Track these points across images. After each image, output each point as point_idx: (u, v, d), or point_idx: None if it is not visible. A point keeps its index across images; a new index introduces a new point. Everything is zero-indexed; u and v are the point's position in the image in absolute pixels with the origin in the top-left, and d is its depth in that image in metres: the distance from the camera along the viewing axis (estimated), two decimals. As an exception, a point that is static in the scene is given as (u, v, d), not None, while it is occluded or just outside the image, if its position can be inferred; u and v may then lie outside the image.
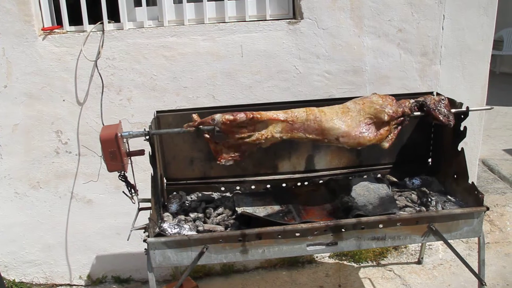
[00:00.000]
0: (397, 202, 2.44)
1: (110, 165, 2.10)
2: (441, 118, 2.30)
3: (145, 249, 2.10)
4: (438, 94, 2.54)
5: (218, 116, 2.16)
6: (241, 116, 2.15)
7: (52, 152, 3.05)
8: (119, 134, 2.07)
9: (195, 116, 2.19)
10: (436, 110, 2.31)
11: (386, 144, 2.35)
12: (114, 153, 2.06)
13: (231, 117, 2.15)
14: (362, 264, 3.35)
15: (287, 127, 2.21)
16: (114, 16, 2.96)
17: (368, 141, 2.28)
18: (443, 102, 2.34)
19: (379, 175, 2.78)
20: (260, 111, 2.20)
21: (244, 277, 3.31)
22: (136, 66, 2.93)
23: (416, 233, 2.19)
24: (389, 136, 2.33)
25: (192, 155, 2.66)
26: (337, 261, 3.39)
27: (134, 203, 2.32)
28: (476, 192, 2.26)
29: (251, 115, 2.16)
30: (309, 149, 2.73)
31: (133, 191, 2.27)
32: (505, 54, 7.66)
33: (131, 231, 2.20)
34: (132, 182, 2.25)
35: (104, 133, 2.08)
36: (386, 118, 2.26)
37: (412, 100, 2.36)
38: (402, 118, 2.32)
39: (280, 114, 2.20)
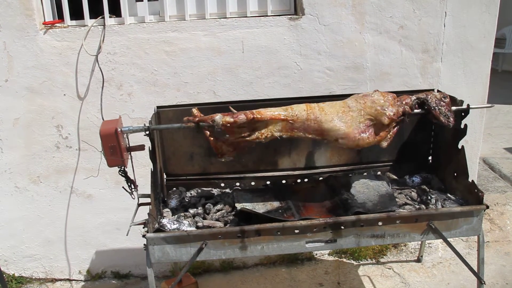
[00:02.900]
0: (396, 199, 2.44)
1: (110, 160, 2.10)
2: (441, 119, 2.29)
3: (144, 244, 2.10)
4: (439, 91, 2.53)
5: (218, 118, 2.13)
6: (241, 117, 2.13)
7: (53, 147, 3.05)
8: (119, 129, 2.07)
9: (195, 110, 2.18)
10: (437, 109, 2.30)
11: (384, 144, 2.34)
12: (114, 148, 2.06)
13: (232, 120, 2.13)
14: (361, 262, 3.35)
15: (287, 126, 2.20)
16: (115, 10, 2.96)
17: (367, 144, 2.28)
18: (444, 101, 2.32)
19: (379, 173, 2.78)
20: (260, 108, 2.19)
21: (243, 273, 3.31)
22: (137, 61, 2.93)
23: (415, 231, 2.18)
24: (388, 135, 2.33)
25: (192, 150, 2.66)
26: (336, 258, 3.39)
27: (134, 199, 2.32)
28: (476, 190, 2.25)
29: (251, 116, 2.14)
30: (309, 146, 2.72)
31: (133, 186, 2.27)
32: (508, 52, 7.62)
33: (131, 226, 2.20)
34: (132, 177, 2.25)
35: (104, 128, 2.07)
36: (386, 121, 2.26)
37: (413, 97, 2.34)
38: (402, 117, 2.31)
39: (280, 114, 2.18)
